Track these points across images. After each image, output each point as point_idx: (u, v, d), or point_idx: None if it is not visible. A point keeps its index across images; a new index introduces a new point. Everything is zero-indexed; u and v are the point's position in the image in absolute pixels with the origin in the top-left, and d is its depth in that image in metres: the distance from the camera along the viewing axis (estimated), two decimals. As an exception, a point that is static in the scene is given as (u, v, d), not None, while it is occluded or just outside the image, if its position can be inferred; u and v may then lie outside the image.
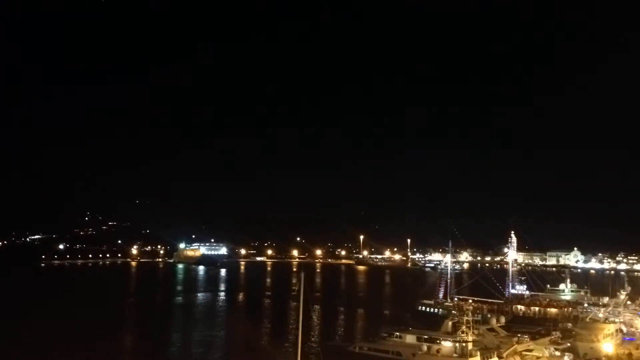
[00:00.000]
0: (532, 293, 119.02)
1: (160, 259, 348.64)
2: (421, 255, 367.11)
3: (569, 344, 67.05)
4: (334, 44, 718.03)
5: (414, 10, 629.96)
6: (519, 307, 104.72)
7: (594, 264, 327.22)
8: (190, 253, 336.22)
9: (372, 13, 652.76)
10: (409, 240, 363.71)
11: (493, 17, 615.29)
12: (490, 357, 59.57)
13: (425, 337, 63.62)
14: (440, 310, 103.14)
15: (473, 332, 62.41)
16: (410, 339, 64.50)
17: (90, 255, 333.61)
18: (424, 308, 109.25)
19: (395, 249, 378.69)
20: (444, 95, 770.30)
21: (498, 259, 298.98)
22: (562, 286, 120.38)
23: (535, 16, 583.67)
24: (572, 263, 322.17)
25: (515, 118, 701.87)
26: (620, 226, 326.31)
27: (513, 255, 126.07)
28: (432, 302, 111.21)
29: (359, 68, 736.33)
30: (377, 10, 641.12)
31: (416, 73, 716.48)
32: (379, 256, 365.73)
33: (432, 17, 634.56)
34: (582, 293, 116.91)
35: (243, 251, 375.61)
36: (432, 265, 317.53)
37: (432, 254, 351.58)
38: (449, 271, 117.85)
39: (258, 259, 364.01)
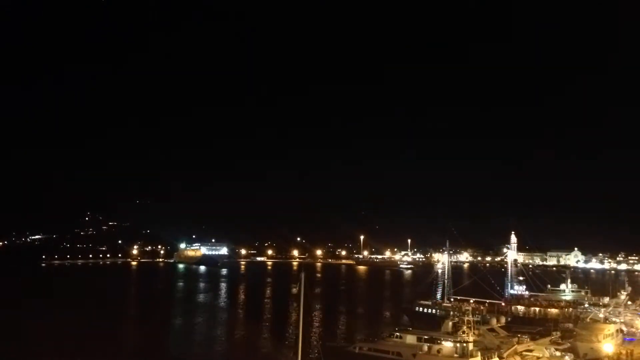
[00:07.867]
0: (532, 293, 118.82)
1: (160, 259, 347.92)
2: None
3: (569, 344, 67.03)
4: (332, 36, 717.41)
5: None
6: (519, 307, 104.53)
7: (594, 264, 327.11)
8: (190, 253, 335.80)
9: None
10: (409, 240, 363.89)
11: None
12: (491, 358, 59.58)
13: (426, 337, 63.59)
14: (438, 310, 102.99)
15: (473, 333, 62.41)
16: (410, 339, 64.49)
17: (90, 255, 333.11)
18: (421, 309, 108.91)
19: (395, 249, 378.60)
20: (443, 95, 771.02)
21: (498, 259, 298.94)
22: (562, 286, 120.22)
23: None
24: (572, 263, 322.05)
25: (515, 119, 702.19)
26: (621, 226, 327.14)
27: (513, 256, 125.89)
28: (429, 302, 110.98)
29: (361, 64, 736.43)
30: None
31: (415, 72, 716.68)
32: (379, 256, 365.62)
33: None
34: (583, 293, 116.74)
35: (243, 251, 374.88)
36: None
37: (433, 253, 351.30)
38: (447, 271, 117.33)
39: (258, 259, 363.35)
